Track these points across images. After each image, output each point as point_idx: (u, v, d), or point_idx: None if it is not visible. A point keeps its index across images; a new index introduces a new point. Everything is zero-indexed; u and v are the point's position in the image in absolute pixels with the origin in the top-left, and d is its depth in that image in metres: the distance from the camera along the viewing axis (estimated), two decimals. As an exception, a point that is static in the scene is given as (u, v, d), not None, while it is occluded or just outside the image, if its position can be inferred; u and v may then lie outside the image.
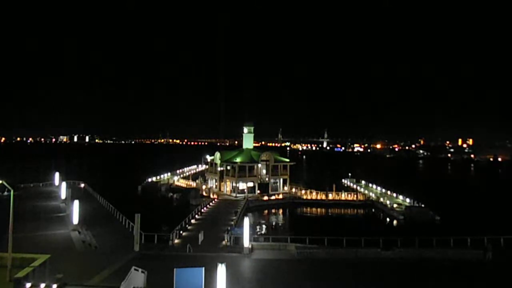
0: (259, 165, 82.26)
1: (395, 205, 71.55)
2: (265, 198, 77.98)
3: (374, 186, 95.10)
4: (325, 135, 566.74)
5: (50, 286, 24.28)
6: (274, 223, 65.25)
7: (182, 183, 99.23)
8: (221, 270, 22.93)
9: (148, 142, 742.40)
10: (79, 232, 43.05)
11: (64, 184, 67.20)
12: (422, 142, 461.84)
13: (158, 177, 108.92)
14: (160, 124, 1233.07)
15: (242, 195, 76.70)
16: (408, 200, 74.34)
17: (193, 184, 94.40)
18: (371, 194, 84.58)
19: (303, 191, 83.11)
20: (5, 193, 64.22)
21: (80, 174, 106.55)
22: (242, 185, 78.60)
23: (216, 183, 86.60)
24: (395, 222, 64.95)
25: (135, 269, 25.53)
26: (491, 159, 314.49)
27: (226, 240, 41.52)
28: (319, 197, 79.44)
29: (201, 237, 41.11)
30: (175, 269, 24.58)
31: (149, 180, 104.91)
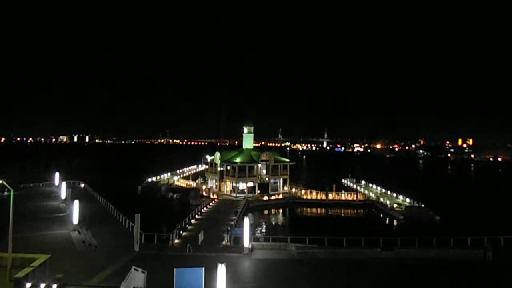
0: (259, 165, 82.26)
1: (395, 205, 71.54)
2: (265, 198, 77.98)
3: (374, 186, 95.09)
4: (325, 135, 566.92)
5: (50, 286, 24.28)
6: (274, 223, 65.23)
7: (182, 183, 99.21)
8: (221, 270, 22.93)
9: (148, 142, 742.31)
10: (79, 232, 43.05)
11: (64, 184, 67.21)
12: (422, 142, 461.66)
13: (158, 177, 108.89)
14: (160, 124, 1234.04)
15: (242, 195, 76.70)
16: (408, 200, 74.33)
17: (193, 184, 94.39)
18: (371, 194, 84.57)
19: (303, 191, 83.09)
20: (5, 193, 64.28)
21: (80, 174, 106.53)
22: (242, 185, 78.59)
23: (216, 183, 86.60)
24: (395, 222, 64.94)
25: (135, 269, 25.53)
26: (491, 159, 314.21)
27: (226, 240, 41.53)
28: (319, 197, 79.42)
29: (201, 237, 41.12)
30: (175, 269, 24.58)
31: (149, 180, 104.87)
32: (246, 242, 37.37)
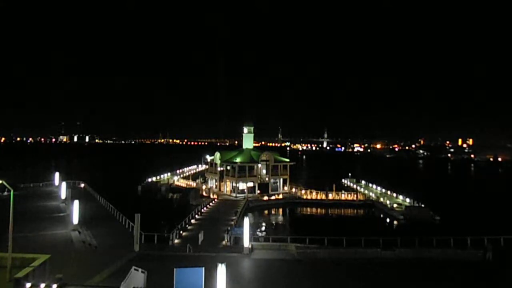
0: (259, 165, 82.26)
1: (395, 205, 71.51)
2: (265, 198, 77.96)
3: (374, 186, 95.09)
4: (325, 135, 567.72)
5: (50, 286, 24.28)
6: (274, 223, 65.22)
7: (182, 183, 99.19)
8: (221, 270, 22.93)
9: (148, 142, 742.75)
10: (79, 232, 43.04)
11: (64, 184, 67.23)
12: (422, 142, 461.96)
13: (158, 177, 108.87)
14: (160, 124, 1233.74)
15: (242, 195, 76.69)
16: (408, 200, 74.32)
17: (193, 184, 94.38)
18: (371, 194, 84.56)
19: (303, 191, 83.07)
20: (5, 193, 64.27)
21: (80, 174, 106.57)
22: (242, 185, 78.58)
23: (216, 183, 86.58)
24: (395, 222, 64.90)
25: (135, 269, 25.53)
26: (491, 159, 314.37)
27: (226, 240, 41.53)
28: (319, 197, 79.40)
29: (201, 237, 41.11)
30: (175, 269, 24.58)
31: (149, 180, 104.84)
32: (246, 242, 37.37)
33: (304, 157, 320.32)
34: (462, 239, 40.83)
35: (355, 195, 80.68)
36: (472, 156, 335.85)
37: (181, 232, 44.45)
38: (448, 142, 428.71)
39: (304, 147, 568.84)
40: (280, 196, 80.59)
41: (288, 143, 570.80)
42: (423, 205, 69.01)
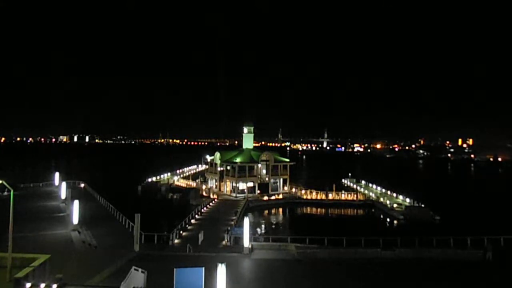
0: (259, 165, 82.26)
1: (395, 205, 71.51)
2: (265, 198, 77.96)
3: (374, 186, 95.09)
4: (325, 135, 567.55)
5: (50, 286, 24.28)
6: (274, 223, 65.22)
7: (182, 183, 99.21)
8: (221, 270, 22.93)
9: (148, 142, 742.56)
10: (79, 232, 43.05)
11: (64, 184, 67.22)
12: (422, 142, 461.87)
13: (158, 177, 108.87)
14: (160, 124, 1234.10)
15: (242, 195, 76.68)
16: (408, 200, 74.31)
17: (193, 184, 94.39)
18: (371, 194, 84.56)
19: (303, 191, 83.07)
20: (5, 193, 64.28)
21: (80, 174, 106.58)
22: (242, 185, 78.58)
23: (216, 183, 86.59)
24: (395, 222, 64.92)
25: (135, 269, 25.53)
26: (491, 159, 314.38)
27: (226, 240, 41.53)
28: (319, 197, 79.40)
29: (201, 237, 41.11)
30: (175, 269, 24.57)
31: (149, 180, 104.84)
32: (246, 242, 37.37)
33: (304, 157, 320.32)
34: (462, 239, 40.83)
35: (355, 195, 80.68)
36: (472, 156, 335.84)
37: (181, 232, 44.45)
38: (448, 142, 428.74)
39: (304, 147, 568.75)
40: (280, 196, 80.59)
41: (288, 143, 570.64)
42: (423, 205, 69.01)
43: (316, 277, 31.25)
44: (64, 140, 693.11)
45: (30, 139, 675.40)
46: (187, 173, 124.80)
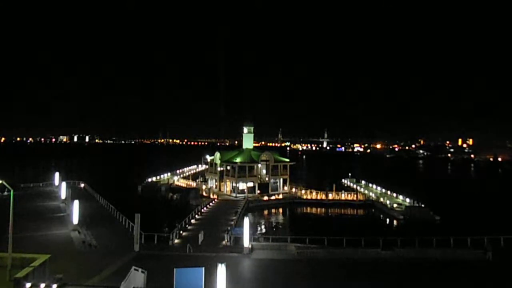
0: (259, 165, 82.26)
1: (395, 205, 71.53)
2: (265, 198, 77.96)
3: (374, 186, 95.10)
4: (325, 135, 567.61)
5: (50, 286, 24.29)
6: (274, 223, 65.23)
7: (182, 183, 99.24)
8: (221, 270, 22.94)
9: (148, 142, 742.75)
10: (79, 232, 43.05)
11: (64, 184, 67.24)
12: (422, 142, 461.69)
13: (158, 177, 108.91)
14: (160, 124, 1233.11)
15: (242, 195, 76.68)
16: (408, 200, 74.32)
17: (193, 184, 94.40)
18: (371, 194, 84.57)
19: (303, 191, 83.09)
20: (5, 193, 64.29)
21: (80, 174, 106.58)
22: (242, 185, 78.58)
23: (216, 183, 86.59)
24: (395, 222, 64.94)
25: (135, 269, 25.54)
26: (491, 159, 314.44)
27: (226, 240, 41.52)
28: (319, 197, 79.42)
29: (201, 237, 41.12)
30: (175, 269, 24.59)
31: (149, 180, 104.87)
32: (246, 242, 37.37)
33: (304, 157, 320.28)
34: (462, 239, 40.83)
35: (355, 195, 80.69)
36: (472, 156, 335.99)
37: (181, 232, 44.44)
38: (448, 142, 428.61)
39: (304, 147, 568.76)
40: (280, 196, 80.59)
41: (288, 143, 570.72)
42: (423, 205, 69.01)
43: (316, 277, 31.25)
44: (64, 140, 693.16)
45: (30, 139, 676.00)
46: (187, 173, 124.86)
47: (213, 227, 48.06)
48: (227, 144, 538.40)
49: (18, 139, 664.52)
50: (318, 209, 75.33)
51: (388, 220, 66.84)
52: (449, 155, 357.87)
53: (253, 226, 53.44)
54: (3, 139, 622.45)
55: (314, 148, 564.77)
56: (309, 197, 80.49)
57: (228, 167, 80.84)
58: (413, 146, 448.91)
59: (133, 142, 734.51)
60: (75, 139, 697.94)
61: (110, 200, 61.31)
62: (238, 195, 76.83)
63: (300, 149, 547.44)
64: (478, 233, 41.86)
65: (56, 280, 24.93)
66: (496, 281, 31.08)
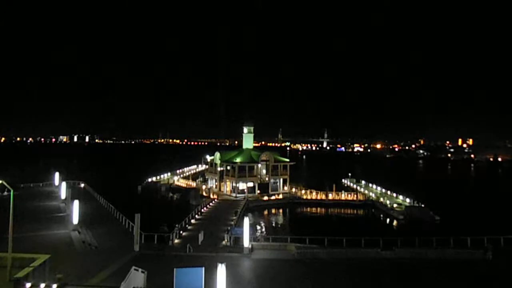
0: (259, 165, 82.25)
1: (395, 205, 71.55)
2: (265, 198, 77.96)
3: (374, 186, 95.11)
4: (325, 135, 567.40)
5: (50, 286, 24.30)
6: (274, 223, 65.23)
7: (182, 183, 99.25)
8: (221, 270, 22.95)
9: (148, 142, 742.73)
10: (79, 232, 43.06)
11: (64, 184, 67.23)
12: (422, 142, 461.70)
13: (158, 177, 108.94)
14: (160, 124, 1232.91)
15: (242, 195, 76.68)
16: (408, 200, 74.33)
17: (193, 184, 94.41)
18: (371, 194, 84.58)
19: (303, 191, 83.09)
20: (5, 193, 64.29)
21: (80, 174, 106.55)
22: (242, 185, 78.57)
23: (216, 183, 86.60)
24: (395, 222, 64.94)
25: (135, 269, 25.55)
26: (491, 159, 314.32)
27: (226, 240, 41.53)
28: (319, 197, 79.42)
29: (201, 237, 41.13)
30: (175, 269, 24.60)
31: (149, 180, 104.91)
32: (246, 242, 37.38)
33: (304, 157, 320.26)
34: (462, 239, 40.82)
35: (355, 195, 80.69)
36: (472, 156, 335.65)
37: (181, 232, 44.45)
38: (448, 142, 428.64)
39: (304, 147, 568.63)
40: (280, 196, 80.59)
41: (288, 143, 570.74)
42: (423, 205, 69.00)
43: (316, 277, 31.26)
44: (64, 140, 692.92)
45: (30, 139, 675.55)
46: (187, 173, 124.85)
47: (213, 227, 48.06)
48: (227, 144, 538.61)
49: (18, 139, 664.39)
50: (318, 209, 75.33)
51: (388, 220, 66.84)
52: (449, 155, 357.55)
53: (253, 226, 53.44)
54: (3, 139, 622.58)
55: (314, 148, 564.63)
56: (309, 197, 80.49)
57: (228, 167, 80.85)
58: (413, 146, 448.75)
59: (133, 142, 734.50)
60: (75, 139, 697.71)
61: (110, 200, 61.31)
62: (238, 195, 76.82)
63: (300, 149, 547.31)
64: (478, 233, 41.83)
65: (56, 280, 24.94)
66: (496, 281, 31.10)
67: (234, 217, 55.10)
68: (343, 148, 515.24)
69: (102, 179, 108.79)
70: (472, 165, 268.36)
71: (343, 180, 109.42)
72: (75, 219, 44.66)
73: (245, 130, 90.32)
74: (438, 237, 40.98)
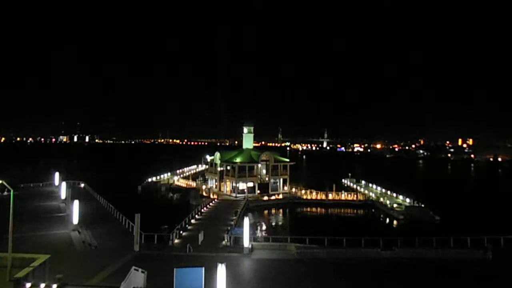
0: (259, 165, 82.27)
1: (395, 205, 71.56)
2: (265, 198, 77.98)
3: (374, 186, 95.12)
4: (325, 135, 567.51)
5: (50, 286, 24.31)
6: (274, 223, 65.24)
7: (182, 183, 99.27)
8: (221, 270, 22.96)
9: (148, 142, 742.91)
10: (79, 232, 43.08)
11: (64, 184, 67.24)
12: (422, 142, 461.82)
13: (158, 177, 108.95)
14: (160, 124, 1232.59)
15: (242, 195, 76.70)
16: (408, 200, 74.34)
17: (193, 184, 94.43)
18: (371, 194, 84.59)
19: (303, 191, 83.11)
20: (5, 193, 64.29)
21: (80, 174, 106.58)
22: (242, 185, 78.59)
23: (216, 183, 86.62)
24: (395, 222, 64.95)
25: (135, 269, 25.55)
26: (491, 159, 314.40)
27: (226, 240, 41.54)
28: (319, 197, 79.43)
29: (201, 237, 41.14)
30: (175, 269, 24.60)
31: (149, 180, 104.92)
32: (246, 242, 37.39)
33: (304, 157, 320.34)
34: (462, 239, 40.85)
35: (355, 195, 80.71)
36: (472, 156, 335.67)
37: (181, 232, 44.48)
38: (448, 142, 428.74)
39: (304, 147, 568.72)
40: (280, 196, 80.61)
41: (288, 143, 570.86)
42: (423, 205, 69.02)
43: (316, 277, 31.27)
44: (64, 140, 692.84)
45: (30, 139, 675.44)
46: (187, 173, 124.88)
47: (213, 227, 48.08)
48: (227, 144, 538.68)
49: (18, 139, 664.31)
50: (318, 209, 75.35)
51: (388, 220, 66.85)
52: (449, 155, 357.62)
53: (253, 226, 53.45)
54: (3, 139, 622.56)
55: (314, 148, 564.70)
56: (309, 197, 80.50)
57: (228, 167, 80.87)
58: (413, 146, 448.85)
59: (133, 142, 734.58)
60: (75, 139, 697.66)
61: (110, 200, 61.33)
62: (238, 195, 76.84)
63: (300, 149, 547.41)
64: (478, 233, 41.85)
65: (56, 280, 24.94)
66: (496, 281, 31.11)
67: (234, 217, 55.11)
68: (343, 148, 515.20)
69: (102, 179, 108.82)
70: (472, 165, 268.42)
71: (343, 180, 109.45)
72: (75, 219, 44.68)
73: (245, 130, 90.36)
74: (438, 237, 40.99)
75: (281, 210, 73.92)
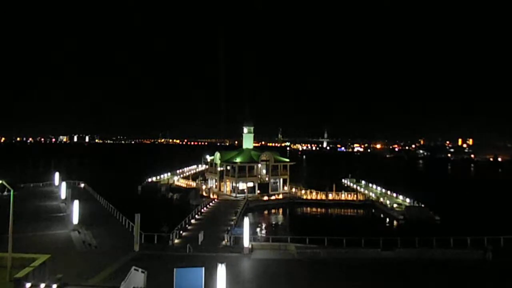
0: (259, 165, 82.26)
1: (395, 205, 71.56)
2: (265, 198, 77.98)
3: (374, 186, 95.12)
4: (325, 135, 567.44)
5: (50, 286, 24.30)
6: (274, 223, 65.22)
7: (182, 183, 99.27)
8: (221, 270, 22.95)
9: (148, 142, 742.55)
10: (79, 232, 43.07)
11: (64, 184, 67.23)
12: (422, 142, 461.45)
13: (158, 177, 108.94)
14: (160, 124, 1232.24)
15: (242, 195, 76.69)
16: (408, 200, 74.34)
17: (193, 184, 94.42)
18: (371, 194, 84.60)
19: (303, 191, 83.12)
20: (5, 193, 64.27)
21: (80, 174, 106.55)
22: (242, 185, 78.59)
23: (216, 183, 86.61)
24: (395, 222, 64.96)
25: (135, 269, 25.55)
26: (491, 159, 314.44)
27: (226, 240, 41.54)
28: (319, 197, 79.44)
29: (201, 237, 41.14)
30: (175, 269, 24.60)
31: (149, 180, 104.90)
32: (246, 242, 37.38)
33: (304, 157, 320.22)
34: (462, 239, 40.83)
35: (355, 195, 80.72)
36: (472, 156, 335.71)
37: (181, 232, 44.48)
38: (448, 142, 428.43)
39: (304, 147, 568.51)
40: (280, 196, 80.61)
41: (288, 143, 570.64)
42: (423, 205, 69.03)
43: (316, 277, 31.26)
44: (64, 140, 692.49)
45: (30, 139, 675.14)
46: (187, 173, 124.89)
47: (213, 227, 48.08)
48: (227, 144, 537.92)
49: (18, 139, 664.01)
50: (318, 209, 75.34)
51: (388, 220, 66.85)
52: (449, 155, 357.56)
53: (253, 226, 53.42)
54: (3, 139, 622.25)
55: (314, 148, 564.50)
56: (309, 197, 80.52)
57: (228, 167, 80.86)
58: (413, 146, 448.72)
59: (133, 142, 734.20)
60: (75, 139, 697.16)
61: (110, 200, 61.32)
62: (238, 195, 76.84)
63: (300, 149, 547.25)
64: (478, 233, 41.83)
65: (56, 280, 24.94)
66: (496, 281, 31.10)
67: (234, 217, 55.11)
68: (343, 148, 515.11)
69: (102, 179, 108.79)
70: (472, 165, 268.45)
71: (343, 180, 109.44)
72: (75, 219, 44.68)
73: (245, 130, 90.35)
74: (438, 237, 40.92)
75: (281, 210, 73.94)
